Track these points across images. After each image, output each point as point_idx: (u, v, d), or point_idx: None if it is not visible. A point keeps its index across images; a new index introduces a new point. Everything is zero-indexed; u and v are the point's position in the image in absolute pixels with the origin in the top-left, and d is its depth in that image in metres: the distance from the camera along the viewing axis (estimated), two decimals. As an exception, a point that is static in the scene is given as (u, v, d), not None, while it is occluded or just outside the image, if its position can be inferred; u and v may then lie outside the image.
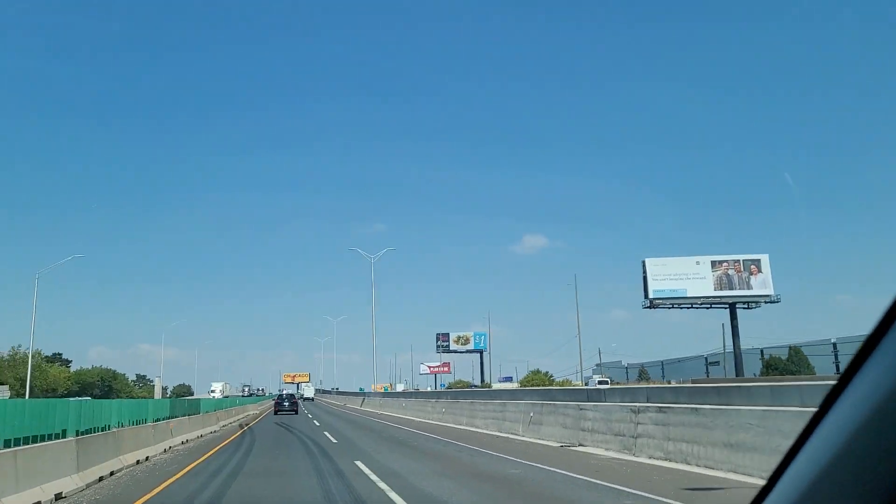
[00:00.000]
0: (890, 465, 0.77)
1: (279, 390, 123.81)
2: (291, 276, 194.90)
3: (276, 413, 50.10)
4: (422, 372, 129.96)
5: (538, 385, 67.44)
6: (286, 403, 51.22)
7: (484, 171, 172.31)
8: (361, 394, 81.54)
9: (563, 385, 68.45)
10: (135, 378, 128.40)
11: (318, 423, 34.93)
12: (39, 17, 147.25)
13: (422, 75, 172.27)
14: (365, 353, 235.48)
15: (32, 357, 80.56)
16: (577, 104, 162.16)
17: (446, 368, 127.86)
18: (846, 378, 0.95)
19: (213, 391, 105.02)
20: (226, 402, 44.83)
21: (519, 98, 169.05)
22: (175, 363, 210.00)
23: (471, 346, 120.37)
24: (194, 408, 29.06)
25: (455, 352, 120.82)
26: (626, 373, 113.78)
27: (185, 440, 22.76)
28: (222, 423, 34.59)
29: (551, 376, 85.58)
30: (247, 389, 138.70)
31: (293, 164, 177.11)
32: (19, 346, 78.39)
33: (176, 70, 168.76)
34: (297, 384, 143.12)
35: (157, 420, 20.88)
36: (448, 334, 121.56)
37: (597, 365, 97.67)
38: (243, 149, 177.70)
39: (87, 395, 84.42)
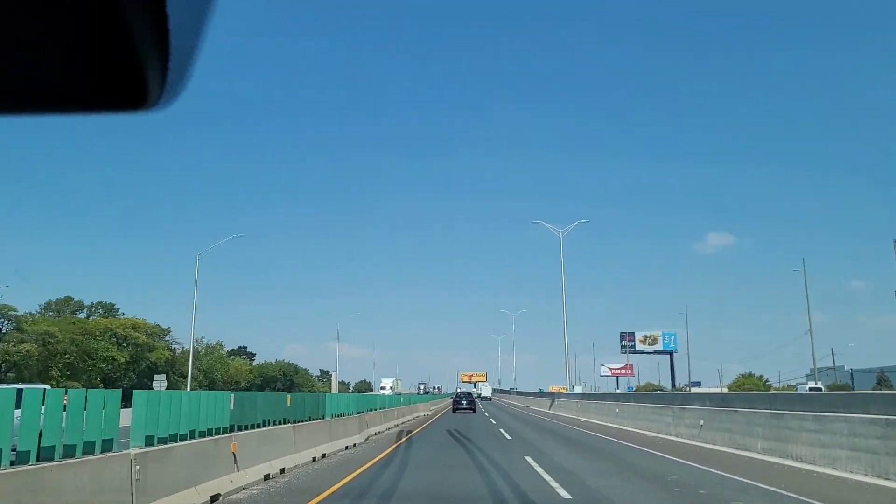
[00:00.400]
0: None
1: (456, 389, 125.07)
2: (469, 276, 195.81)
3: (454, 411, 50.52)
4: (602, 374, 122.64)
5: (751, 390, 57.51)
6: (464, 402, 51.92)
7: (664, 164, 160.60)
8: (547, 395, 70.04)
9: (783, 390, 57.58)
10: (318, 373, 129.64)
11: (508, 437, 25.47)
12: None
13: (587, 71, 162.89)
14: (540, 354, 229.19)
15: (213, 349, 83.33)
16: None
17: (629, 371, 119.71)
18: None
19: (383, 388, 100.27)
20: (394, 400, 42.13)
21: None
22: (358, 360, 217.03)
23: (658, 347, 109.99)
24: (371, 403, 29.87)
25: (641, 352, 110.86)
26: (852, 378, 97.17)
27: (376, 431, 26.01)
28: (394, 422, 32.36)
29: (766, 381, 74.13)
30: (422, 387, 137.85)
31: (469, 166, 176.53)
32: (202, 337, 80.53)
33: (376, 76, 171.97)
34: (475, 383, 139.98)
35: (358, 412, 24.57)
36: (633, 333, 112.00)
37: (816, 370, 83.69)
38: (420, 153, 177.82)
39: (269, 389, 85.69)
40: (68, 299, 71.71)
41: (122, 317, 69.19)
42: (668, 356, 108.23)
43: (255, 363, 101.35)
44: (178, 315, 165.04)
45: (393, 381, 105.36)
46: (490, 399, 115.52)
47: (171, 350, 69.97)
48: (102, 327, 61.87)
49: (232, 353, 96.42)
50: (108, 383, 55.62)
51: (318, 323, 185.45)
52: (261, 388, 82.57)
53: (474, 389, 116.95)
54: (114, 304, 73.87)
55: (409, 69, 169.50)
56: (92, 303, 73.50)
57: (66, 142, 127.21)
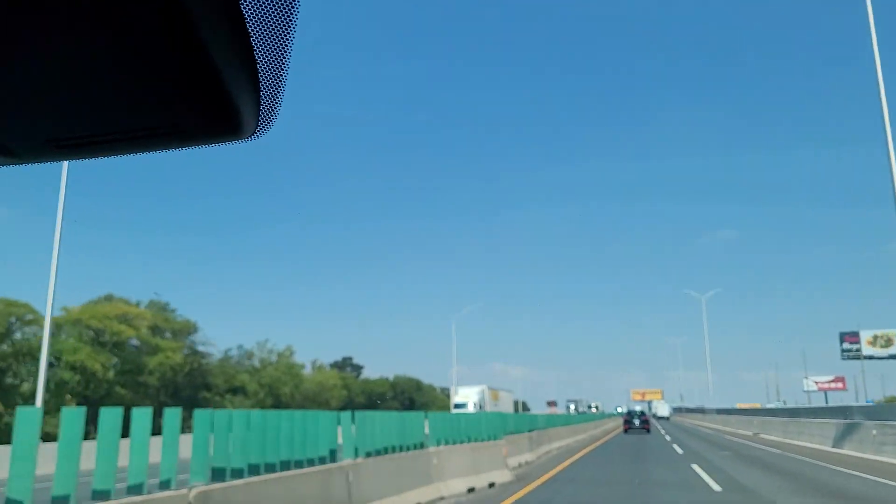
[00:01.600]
0: None
1: (617, 407, 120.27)
2: (634, 292, 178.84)
3: (625, 431, 46.63)
4: (806, 388, 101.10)
5: None
6: (636, 421, 48.19)
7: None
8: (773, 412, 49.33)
9: None
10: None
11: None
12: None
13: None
14: (723, 369, 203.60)
15: (280, 355, 65.49)
16: None
17: (840, 384, 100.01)
18: None
19: (459, 405, 58.33)
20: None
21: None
22: (524, 379, 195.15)
23: (894, 350, 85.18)
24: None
25: (870, 357, 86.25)
26: None
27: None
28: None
29: None
30: (572, 406, 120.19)
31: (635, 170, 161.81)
32: (266, 340, 66.02)
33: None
34: (649, 402, 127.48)
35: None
36: (857, 334, 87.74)
37: None
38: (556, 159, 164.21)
39: (382, 407, 72.10)
40: (109, 297, 52.12)
41: (177, 317, 54.77)
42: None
43: (360, 377, 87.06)
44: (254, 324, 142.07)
45: (481, 391, 61.06)
46: (668, 418, 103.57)
47: (197, 353, 54.97)
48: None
49: (335, 365, 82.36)
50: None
51: (480, 343, 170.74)
52: (366, 407, 66.92)
53: (649, 409, 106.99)
54: (167, 303, 56.57)
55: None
56: (139, 301, 55.21)
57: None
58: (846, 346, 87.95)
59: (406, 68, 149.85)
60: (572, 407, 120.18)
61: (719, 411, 76.45)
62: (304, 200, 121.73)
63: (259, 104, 0.98)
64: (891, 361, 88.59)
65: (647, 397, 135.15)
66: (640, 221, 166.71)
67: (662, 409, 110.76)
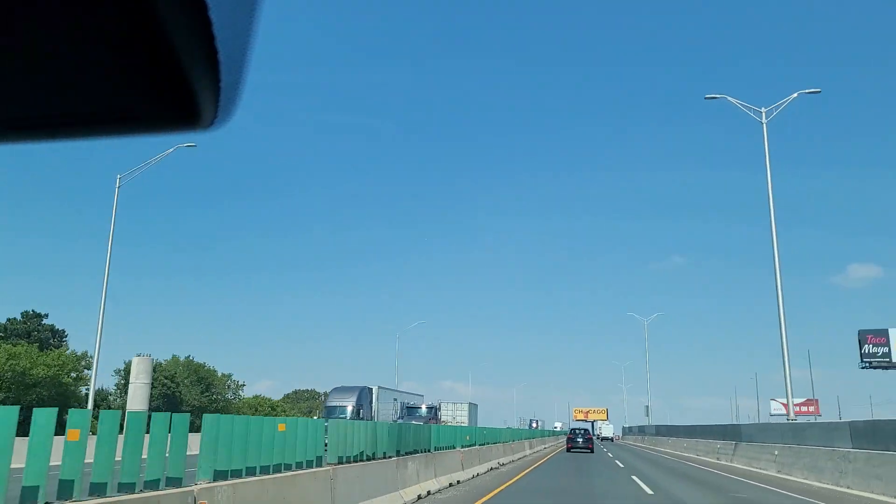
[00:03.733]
0: None
1: (555, 424, 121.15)
2: (585, 313, 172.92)
3: (568, 450, 46.70)
4: (774, 412, 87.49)
5: None
6: (580, 440, 47.05)
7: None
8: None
9: None
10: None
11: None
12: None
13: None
14: (665, 395, 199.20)
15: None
16: None
17: (813, 408, 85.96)
18: None
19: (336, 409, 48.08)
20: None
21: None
22: (473, 397, 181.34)
23: None
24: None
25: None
26: None
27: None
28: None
29: None
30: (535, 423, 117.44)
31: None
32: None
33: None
34: (592, 422, 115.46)
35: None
36: (886, 332, 62.80)
37: None
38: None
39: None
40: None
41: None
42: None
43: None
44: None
45: (358, 393, 43.30)
46: (612, 440, 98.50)
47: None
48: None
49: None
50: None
51: (435, 362, 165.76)
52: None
53: (592, 428, 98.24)
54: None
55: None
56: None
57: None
58: (869, 348, 62.38)
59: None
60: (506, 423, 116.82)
61: (658, 429, 68.72)
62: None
63: (219, 93, 0.91)
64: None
65: (591, 417, 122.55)
66: (597, 244, 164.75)
67: (607, 430, 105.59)
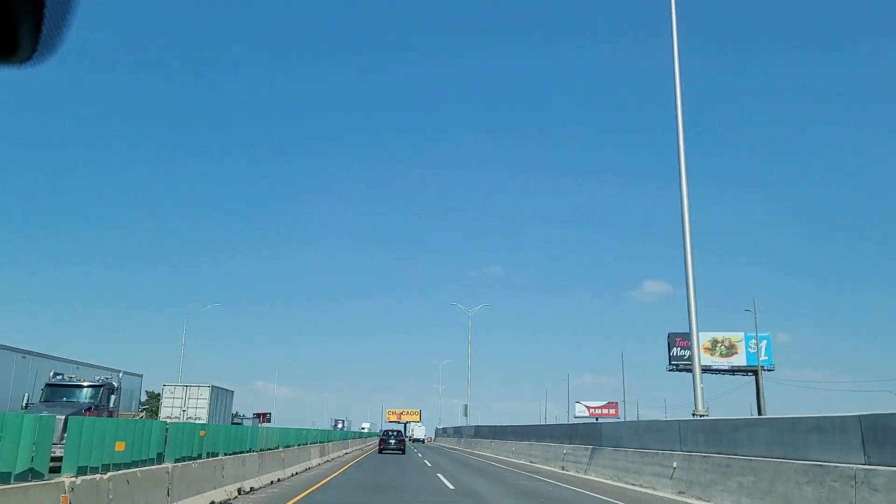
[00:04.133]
0: None
1: (368, 425, 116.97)
2: (403, 316, 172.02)
3: (380, 451, 45.26)
4: (578, 414, 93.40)
5: None
6: (392, 441, 46.12)
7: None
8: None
9: None
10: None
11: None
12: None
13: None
14: (478, 400, 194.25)
15: None
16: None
17: (613, 410, 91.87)
18: None
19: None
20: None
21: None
22: (289, 400, 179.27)
23: (738, 361, 63.65)
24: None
25: (709, 370, 63.57)
26: None
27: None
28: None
29: None
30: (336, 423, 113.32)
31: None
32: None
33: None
34: (405, 423, 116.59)
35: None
36: (689, 337, 64.45)
37: None
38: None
39: None
40: None
41: None
42: (753, 375, 61.78)
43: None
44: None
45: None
46: (423, 441, 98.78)
47: None
48: None
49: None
50: None
51: (247, 362, 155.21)
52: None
53: (405, 430, 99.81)
54: None
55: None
56: None
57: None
58: (677, 351, 64.45)
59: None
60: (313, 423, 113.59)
61: (477, 430, 63.61)
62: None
63: (41, 23, 0.81)
64: (731, 377, 66.75)
65: (404, 418, 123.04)
66: (420, 246, 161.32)
67: (419, 432, 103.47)
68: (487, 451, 49.05)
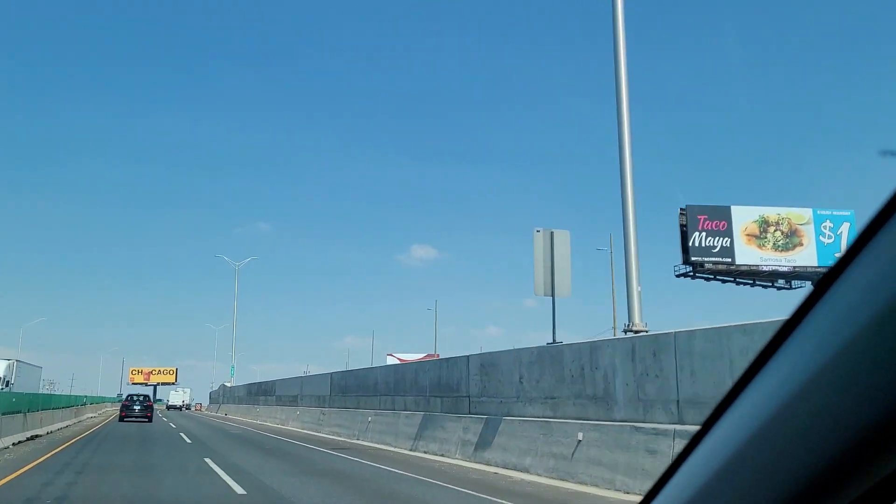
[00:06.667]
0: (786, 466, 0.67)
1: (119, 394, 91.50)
2: (170, 274, 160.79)
3: (122, 418, 35.74)
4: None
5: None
6: (137, 407, 36.80)
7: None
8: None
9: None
10: None
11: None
12: None
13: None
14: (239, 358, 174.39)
15: None
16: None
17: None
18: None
19: None
20: None
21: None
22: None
23: (806, 259, 31.24)
24: None
25: (761, 273, 31.32)
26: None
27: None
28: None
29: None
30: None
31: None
32: None
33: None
34: (155, 385, 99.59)
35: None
36: (728, 210, 32.29)
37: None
38: None
39: None
40: None
41: None
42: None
43: None
44: None
45: None
46: (182, 409, 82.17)
47: None
48: None
49: None
50: None
51: None
52: None
53: (154, 393, 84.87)
54: None
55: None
56: None
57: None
58: (698, 238, 32.91)
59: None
60: None
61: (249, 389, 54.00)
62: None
63: None
64: (787, 292, 37.10)
65: (154, 379, 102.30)
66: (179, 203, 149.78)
67: (175, 397, 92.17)
68: (253, 417, 41.65)
